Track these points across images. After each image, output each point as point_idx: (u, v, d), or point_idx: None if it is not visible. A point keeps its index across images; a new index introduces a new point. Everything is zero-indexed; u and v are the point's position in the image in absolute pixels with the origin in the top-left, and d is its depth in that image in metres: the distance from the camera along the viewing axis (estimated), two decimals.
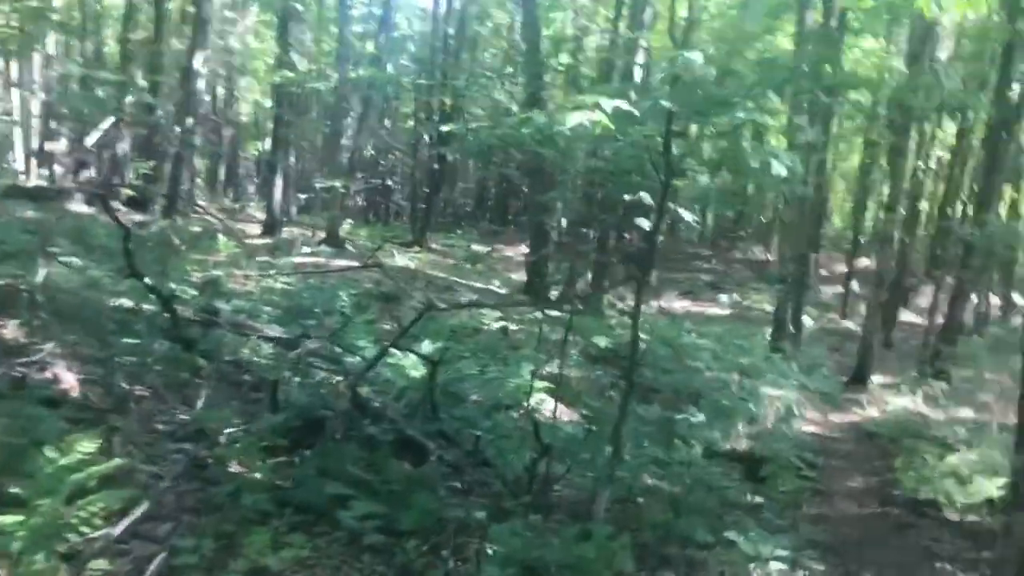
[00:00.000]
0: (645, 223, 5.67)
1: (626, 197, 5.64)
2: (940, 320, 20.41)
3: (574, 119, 3.97)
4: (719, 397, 7.85)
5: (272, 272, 14.69)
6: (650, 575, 5.16)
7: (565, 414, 8.55)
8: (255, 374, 7.73)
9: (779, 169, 4.14)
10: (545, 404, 8.56)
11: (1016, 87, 17.46)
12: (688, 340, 11.16)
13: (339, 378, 7.43)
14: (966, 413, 14.92)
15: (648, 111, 4.13)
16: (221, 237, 18.58)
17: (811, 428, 10.89)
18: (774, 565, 5.32)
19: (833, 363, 16.89)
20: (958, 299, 20.08)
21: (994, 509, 8.29)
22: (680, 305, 23.33)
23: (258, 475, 5.37)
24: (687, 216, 5.59)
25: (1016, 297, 30.77)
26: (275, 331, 9.16)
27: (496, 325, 12.81)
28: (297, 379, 7.41)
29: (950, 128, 29.61)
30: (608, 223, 14.64)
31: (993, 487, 8.61)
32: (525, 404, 8.24)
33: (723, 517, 6.14)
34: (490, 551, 4.85)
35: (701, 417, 7.56)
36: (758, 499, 7.15)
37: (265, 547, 4.48)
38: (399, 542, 4.92)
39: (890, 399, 14.96)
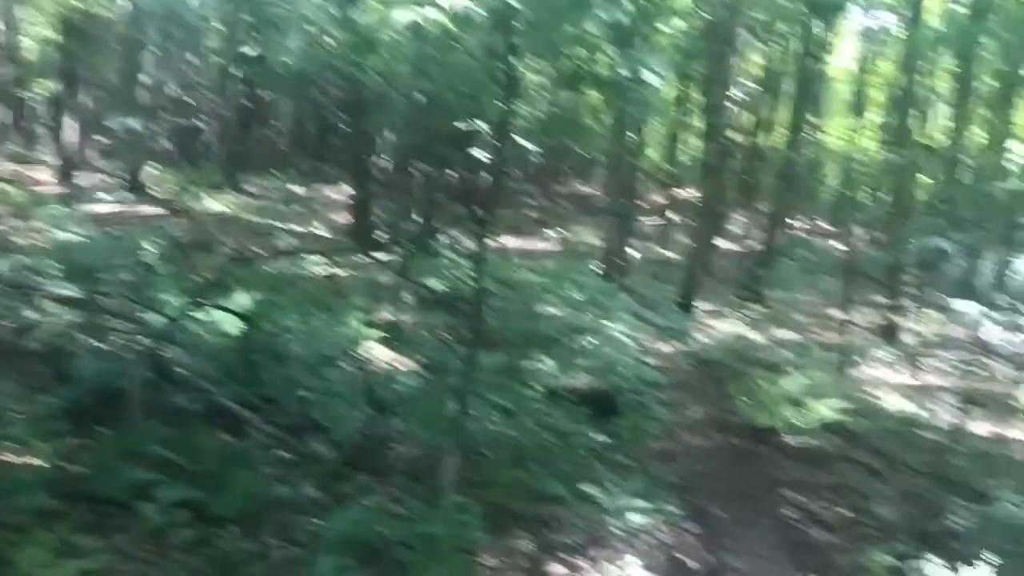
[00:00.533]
0: (482, 154, 5.11)
1: (460, 127, 5.02)
2: (753, 245, 21.22)
3: (404, 17, 3.32)
4: (561, 337, 7.47)
5: (64, 223, 13.17)
6: (503, 539, 4.72)
7: (401, 364, 7.98)
8: (40, 342, 6.70)
9: (651, 78, 3.69)
10: (378, 354, 7.95)
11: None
12: (522, 278, 10.74)
13: (141, 341, 6.52)
14: (787, 335, 15.46)
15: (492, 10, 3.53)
16: (2, 186, 16.62)
17: (648, 360, 10.79)
18: (632, 517, 5.01)
19: (659, 292, 17.05)
20: (772, 225, 20.88)
21: (833, 432, 8.43)
22: (508, 243, 23.05)
23: (41, 464, 4.53)
24: (528, 145, 5.07)
25: (821, 221, 32.53)
26: (65, 290, 8.03)
27: (320, 272, 11.98)
28: (91, 344, 6.45)
29: (758, 59, 30.64)
30: (439, 155, 13.82)
31: (826, 409, 8.75)
32: (356, 356, 7.62)
33: (575, 465, 5.78)
34: (324, 531, 4.25)
35: (547, 362, 7.16)
36: (604, 438, 6.83)
37: (46, 557, 3.70)
38: (216, 531, 4.24)
39: (716, 325, 15.26)
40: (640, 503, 5.15)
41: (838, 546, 5.87)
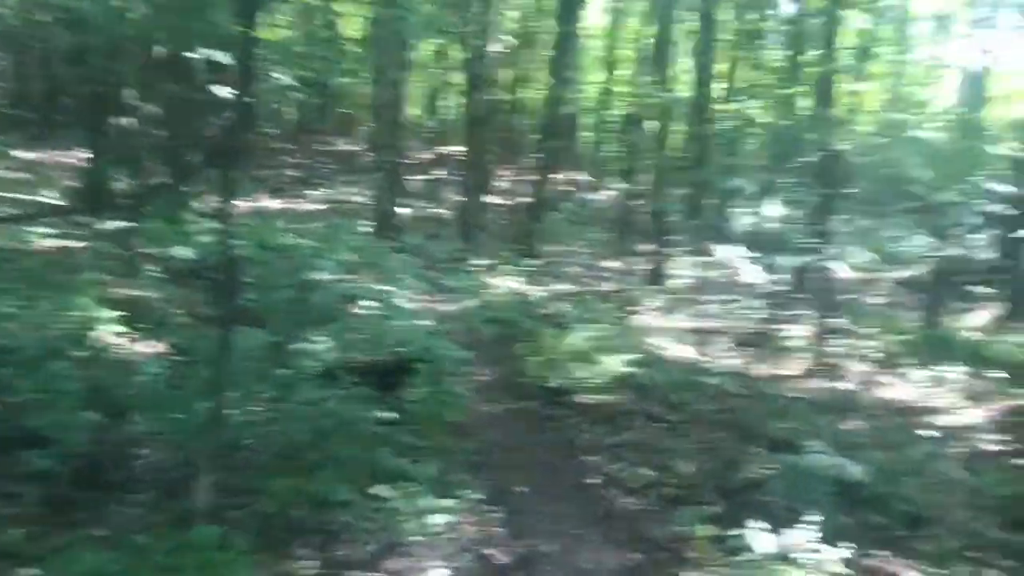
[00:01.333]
0: (226, 91, 4.16)
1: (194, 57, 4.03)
2: (521, 200, 21.17)
3: None
4: (334, 306, 6.63)
5: None
6: (279, 561, 3.89)
7: (144, 350, 6.83)
8: None
9: None
10: (116, 341, 6.75)
11: None
12: (286, 242, 9.73)
13: None
14: (563, 287, 15.36)
15: None
16: None
17: (429, 321, 10.13)
18: (436, 518, 4.32)
19: (433, 250, 16.49)
20: (540, 179, 20.80)
21: (624, 387, 8.16)
22: (270, 204, 21.57)
23: None
24: (284, 79, 4.17)
25: (582, 175, 33.19)
26: None
27: (45, 245, 10.31)
28: None
29: (514, 14, 30.53)
30: (177, 99, 12.10)
31: (614, 363, 8.49)
32: (88, 345, 6.41)
33: (359, 458, 5.01)
34: None
35: (322, 339, 6.30)
36: (392, 415, 6.08)
37: None
38: None
39: (493, 281, 14.88)
40: (440, 500, 4.47)
41: (648, 512, 5.50)
